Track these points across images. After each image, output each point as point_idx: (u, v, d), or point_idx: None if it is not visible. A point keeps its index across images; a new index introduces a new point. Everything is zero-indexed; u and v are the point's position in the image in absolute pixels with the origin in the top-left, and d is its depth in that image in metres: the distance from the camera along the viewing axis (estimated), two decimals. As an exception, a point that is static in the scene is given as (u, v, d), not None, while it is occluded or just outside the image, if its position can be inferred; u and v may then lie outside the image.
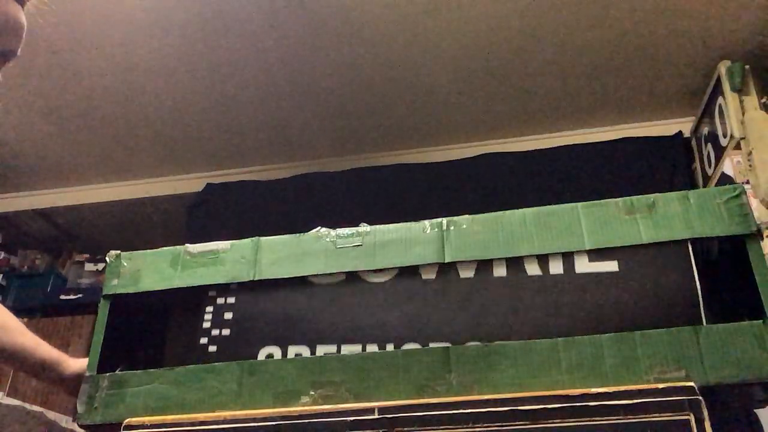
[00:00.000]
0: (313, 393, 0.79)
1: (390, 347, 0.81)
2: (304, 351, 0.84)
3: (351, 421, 0.74)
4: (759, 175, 1.88)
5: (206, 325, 0.88)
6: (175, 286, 0.90)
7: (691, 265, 0.77)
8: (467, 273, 0.84)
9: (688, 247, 0.78)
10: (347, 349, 0.83)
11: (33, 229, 3.14)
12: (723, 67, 2.15)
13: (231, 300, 0.89)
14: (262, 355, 0.85)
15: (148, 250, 0.93)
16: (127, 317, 0.92)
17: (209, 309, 0.89)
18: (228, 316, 0.88)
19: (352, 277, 0.87)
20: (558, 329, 0.78)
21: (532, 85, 2.35)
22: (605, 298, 0.79)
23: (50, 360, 1.03)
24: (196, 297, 0.91)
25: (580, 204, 0.84)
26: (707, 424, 0.66)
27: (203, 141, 2.66)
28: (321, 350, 0.84)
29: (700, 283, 0.78)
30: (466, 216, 0.86)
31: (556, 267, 0.82)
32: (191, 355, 0.87)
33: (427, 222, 0.87)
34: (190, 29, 2.12)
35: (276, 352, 0.85)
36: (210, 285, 0.90)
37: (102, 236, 3.17)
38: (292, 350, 0.85)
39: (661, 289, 0.78)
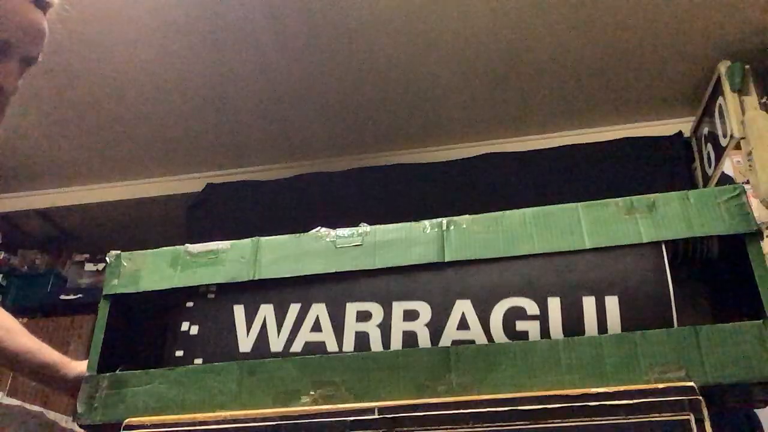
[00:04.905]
0: (313, 393, 0.79)
1: (390, 347, 0.81)
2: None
3: (351, 421, 0.74)
4: (759, 175, 1.88)
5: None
6: (175, 286, 0.90)
7: (665, 266, 0.77)
8: (467, 273, 0.84)
9: (662, 248, 0.78)
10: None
11: (33, 229, 3.14)
12: (723, 67, 2.15)
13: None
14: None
15: (148, 250, 0.93)
16: (127, 317, 0.92)
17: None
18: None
19: (352, 276, 0.87)
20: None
21: (532, 85, 2.35)
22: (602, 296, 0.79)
23: (52, 363, 1.03)
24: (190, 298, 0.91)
25: (580, 204, 0.83)
26: (707, 424, 0.66)
27: (203, 141, 2.66)
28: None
29: (702, 285, 0.77)
30: (466, 216, 0.86)
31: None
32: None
33: (427, 222, 0.87)
34: (191, 29, 2.12)
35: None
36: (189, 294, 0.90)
37: (102, 236, 3.16)
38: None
39: (635, 289, 0.78)
